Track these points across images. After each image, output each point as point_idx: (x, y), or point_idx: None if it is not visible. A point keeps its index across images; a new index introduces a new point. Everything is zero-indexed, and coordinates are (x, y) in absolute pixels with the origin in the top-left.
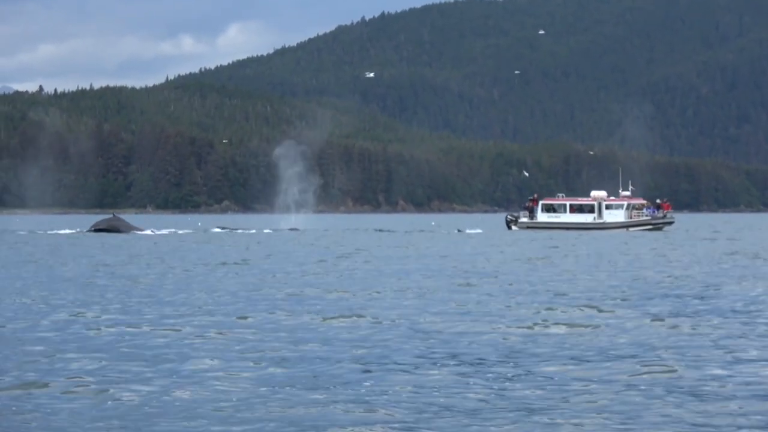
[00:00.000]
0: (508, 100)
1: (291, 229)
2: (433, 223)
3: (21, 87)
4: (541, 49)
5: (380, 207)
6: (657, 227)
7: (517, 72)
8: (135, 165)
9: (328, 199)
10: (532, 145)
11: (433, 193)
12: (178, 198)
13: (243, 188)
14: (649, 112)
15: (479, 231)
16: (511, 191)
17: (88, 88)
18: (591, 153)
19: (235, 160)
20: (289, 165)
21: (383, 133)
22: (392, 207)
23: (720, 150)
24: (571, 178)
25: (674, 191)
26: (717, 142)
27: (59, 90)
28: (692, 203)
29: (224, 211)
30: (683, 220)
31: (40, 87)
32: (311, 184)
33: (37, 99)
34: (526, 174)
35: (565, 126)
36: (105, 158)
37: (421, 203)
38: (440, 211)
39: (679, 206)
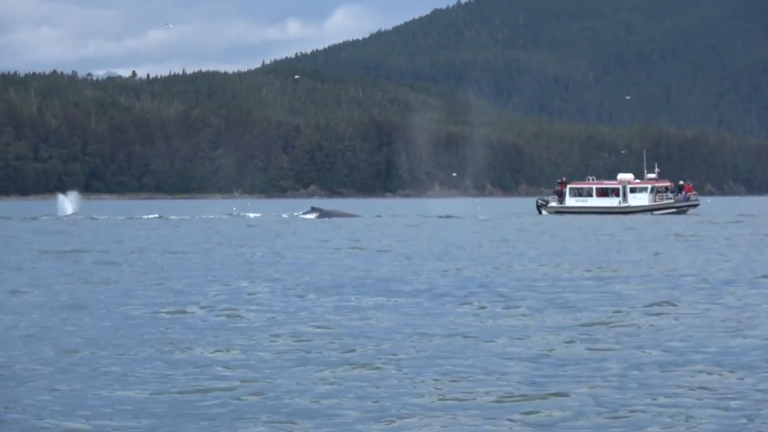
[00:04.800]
0: (603, 84)
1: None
2: (479, 208)
3: (126, 73)
4: (637, 32)
5: (467, 191)
6: (681, 210)
7: None
8: (222, 150)
9: (415, 183)
10: (624, 128)
11: (521, 177)
12: (265, 183)
13: (329, 173)
14: (746, 94)
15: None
16: (601, 175)
17: (180, 73)
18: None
19: (322, 144)
20: None
21: (475, 117)
22: (479, 191)
23: None
24: (662, 162)
25: (767, 174)
26: None
27: (152, 75)
28: None
29: (310, 195)
30: (714, 203)
31: (133, 72)
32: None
33: (128, 84)
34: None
35: (661, 109)
36: (192, 143)
37: (508, 187)
38: (527, 195)
39: None
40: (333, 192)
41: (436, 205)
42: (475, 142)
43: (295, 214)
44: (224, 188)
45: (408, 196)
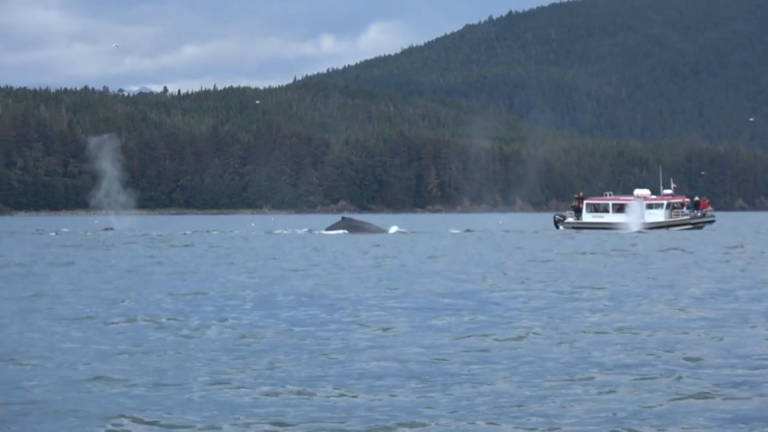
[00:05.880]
0: (636, 99)
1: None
2: (500, 222)
3: (158, 88)
4: (670, 47)
5: (497, 206)
6: (697, 226)
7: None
8: (251, 165)
9: (444, 198)
10: (655, 143)
11: (551, 192)
12: (294, 198)
13: (359, 188)
14: None
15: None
16: (632, 190)
17: (211, 89)
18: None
19: (352, 160)
20: None
21: (507, 132)
22: (509, 206)
23: None
24: (693, 177)
25: None
26: None
27: (183, 91)
28: None
29: (340, 210)
30: (726, 218)
31: (165, 88)
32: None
33: (159, 100)
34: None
35: (694, 124)
36: (222, 159)
37: (539, 202)
38: (557, 209)
39: None
40: (363, 207)
41: (461, 220)
42: (505, 158)
43: (311, 231)
44: (254, 204)
45: (437, 211)
